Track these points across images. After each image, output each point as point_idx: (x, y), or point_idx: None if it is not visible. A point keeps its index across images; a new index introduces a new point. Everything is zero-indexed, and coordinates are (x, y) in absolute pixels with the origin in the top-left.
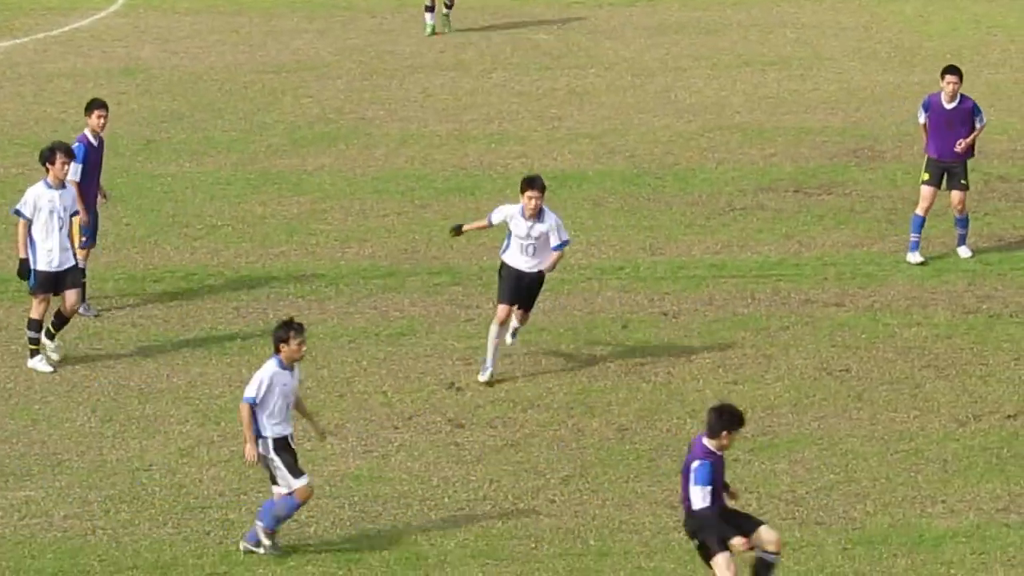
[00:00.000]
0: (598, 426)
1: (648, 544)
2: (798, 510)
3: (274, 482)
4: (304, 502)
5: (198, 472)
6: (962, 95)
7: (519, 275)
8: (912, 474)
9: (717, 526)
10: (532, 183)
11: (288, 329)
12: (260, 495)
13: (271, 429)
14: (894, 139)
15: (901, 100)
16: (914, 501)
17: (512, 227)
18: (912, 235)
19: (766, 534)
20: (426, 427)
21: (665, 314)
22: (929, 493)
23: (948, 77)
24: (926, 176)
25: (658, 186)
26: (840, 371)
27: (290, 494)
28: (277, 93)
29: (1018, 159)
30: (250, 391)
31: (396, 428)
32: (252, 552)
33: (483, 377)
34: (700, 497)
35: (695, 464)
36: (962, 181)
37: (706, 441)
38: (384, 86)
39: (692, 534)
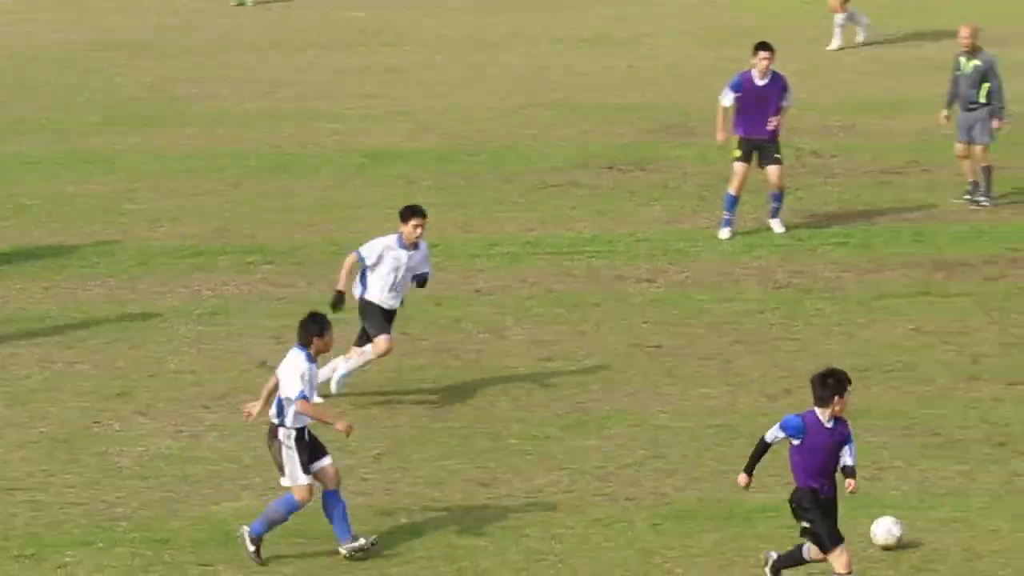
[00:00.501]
0: (410, 404)
1: (460, 522)
2: (608, 486)
3: (282, 473)
4: (301, 505)
5: (6, 453)
6: (774, 72)
7: (384, 312)
8: (722, 449)
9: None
10: (419, 211)
11: (324, 324)
12: (68, 476)
13: (298, 420)
14: (707, 116)
15: (715, 77)
16: (724, 476)
17: (385, 260)
18: (725, 213)
19: None
20: (238, 407)
21: (478, 291)
22: (739, 468)
23: (761, 53)
24: (737, 153)
25: (472, 164)
26: (652, 347)
27: (288, 493)
28: (90, 71)
29: (829, 135)
30: (298, 388)
31: (207, 408)
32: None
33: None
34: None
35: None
36: (776, 156)
37: (818, 412)
38: (197, 64)
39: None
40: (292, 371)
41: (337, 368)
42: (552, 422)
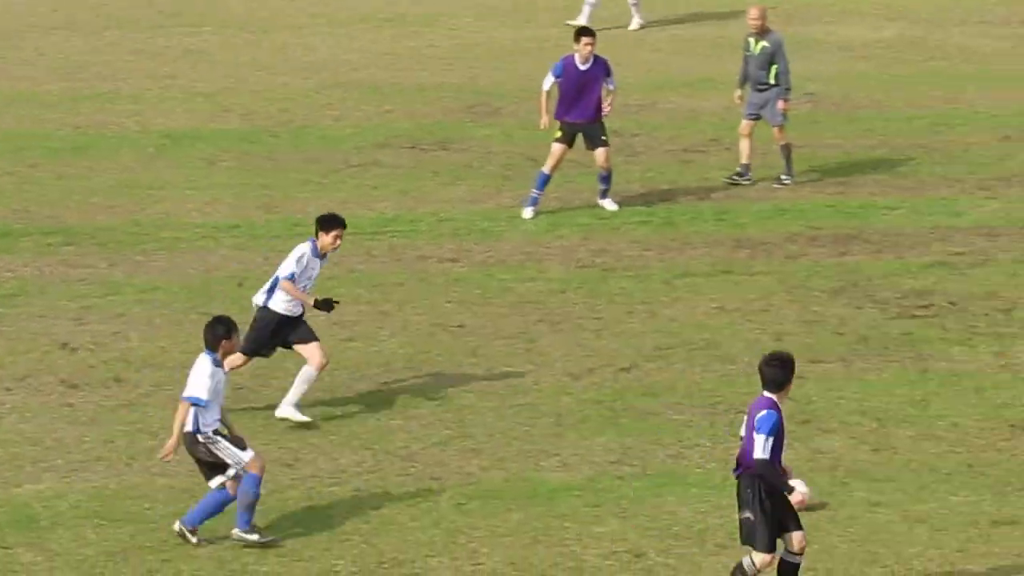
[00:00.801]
0: None
1: (264, 502)
2: (413, 466)
3: (214, 474)
4: (261, 473)
5: None
6: (596, 56)
7: (281, 320)
8: (526, 428)
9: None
10: (342, 222)
11: (230, 325)
12: None
13: (214, 424)
14: (510, 95)
15: (517, 56)
16: (528, 455)
17: (301, 269)
18: (533, 191)
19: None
20: (39, 388)
21: None
22: (543, 447)
23: (583, 39)
24: (558, 134)
25: (274, 144)
26: (455, 327)
27: (244, 472)
28: None
29: (630, 114)
30: (196, 392)
31: (8, 390)
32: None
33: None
34: (762, 445)
35: (761, 413)
36: (602, 138)
37: (770, 396)
38: None
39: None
40: (197, 376)
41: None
42: (356, 402)
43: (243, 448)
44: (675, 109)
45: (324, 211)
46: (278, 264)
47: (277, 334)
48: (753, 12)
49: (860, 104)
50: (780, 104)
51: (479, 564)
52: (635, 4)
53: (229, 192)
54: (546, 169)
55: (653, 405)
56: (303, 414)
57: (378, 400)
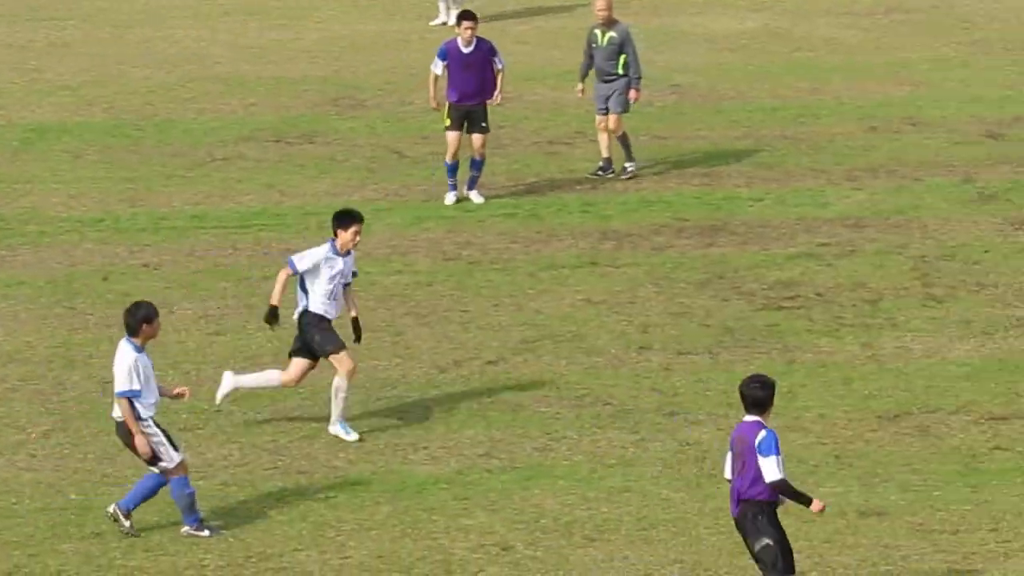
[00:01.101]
0: (79, 379)
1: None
2: (281, 459)
3: (153, 463)
4: (187, 471)
5: None
6: (479, 38)
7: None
8: (394, 421)
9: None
10: (359, 217)
11: (150, 310)
12: None
13: (151, 408)
14: (375, 88)
15: (382, 49)
16: (396, 448)
17: (324, 271)
18: (449, 179)
19: None
20: None
21: (146, 265)
22: (411, 440)
23: (464, 23)
24: (447, 122)
25: (138, 137)
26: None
27: (172, 473)
28: None
29: (494, 107)
30: (125, 384)
31: None
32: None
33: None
34: (774, 466)
35: (761, 435)
36: (482, 124)
37: (756, 418)
38: None
39: (755, 529)
40: (121, 366)
41: (230, 380)
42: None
43: (177, 448)
44: (540, 101)
45: (189, 204)
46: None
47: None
48: (600, 3)
49: (726, 95)
50: (632, 94)
51: (347, 557)
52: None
53: (94, 186)
54: (448, 159)
55: (520, 398)
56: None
57: (245, 394)
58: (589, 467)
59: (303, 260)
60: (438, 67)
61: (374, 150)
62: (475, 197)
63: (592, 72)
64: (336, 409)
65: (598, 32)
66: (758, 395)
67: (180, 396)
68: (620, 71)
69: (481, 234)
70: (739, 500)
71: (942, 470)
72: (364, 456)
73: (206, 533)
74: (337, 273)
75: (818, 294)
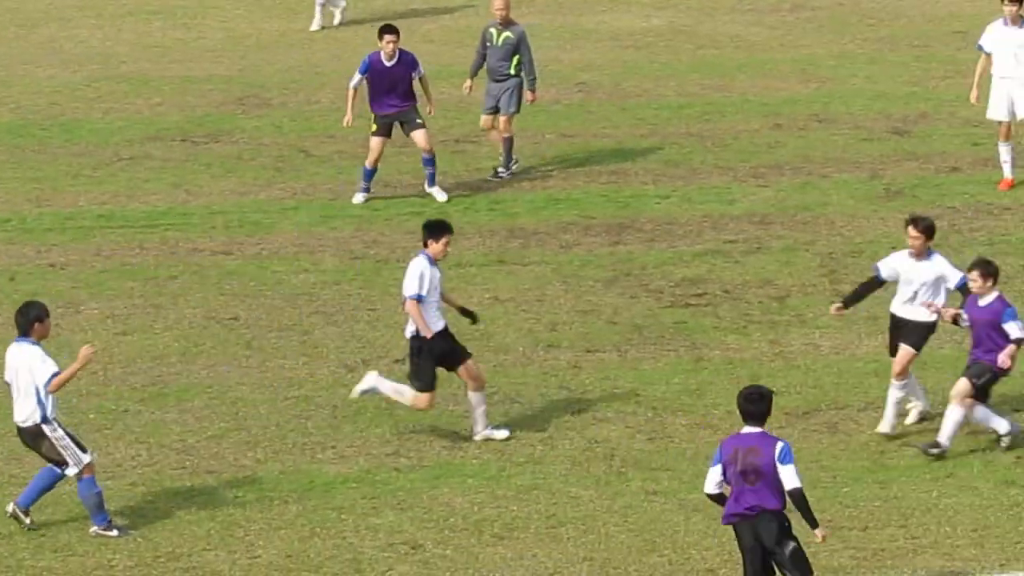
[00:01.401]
0: None
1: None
2: (189, 459)
3: (56, 463)
4: (93, 471)
5: None
6: (401, 51)
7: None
8: (302, 421)
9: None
10: (449, 228)
11: (42, 308)
12: None
13: (56, 406)
14: (280, 87)
15: (286, 48)
16: (304, 448)
17: (427, 285)
18: (362, 182)
19: None
20: None
21: (53, 265)
22: (319, 439)
23: (387, 36)
24: (374, 127)
25: (44, 137)
26: (229, 319)
27: (80, 474)
28: None
29: None
30: (49, 370)
31: None
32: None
33: None
34: (794, 474)
35: (780, 446)
36: (418, 121)
37: (760, 429)
38: None
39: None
40: (33, 361)
41: (372, 380)
42: (129, 396)
43: (84, 449)
44: (447, 100)
45: (96, 204)
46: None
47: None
48: (498, 2)
49: (632, 93)
50: (528, 96)
51: (256, 557)
52: (322, 4)
53: (0, 186)
54: (368, 164)
55: None
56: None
57: (152, 394)
58: (498, 465)
59: (419, 283)
60: (355, 80)
61: (280, 149)
62: (437, 195)
63: (484, 72)
64: (384, 387)
65: (494, 31)
66: (759, 408)
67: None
68: (513, 72)
69: (388, 232)
70: (758, 511)
71: (851, 466)
72: (272, 455)
73: (115, 533)
74: (439, 283)
75: (725, 291)
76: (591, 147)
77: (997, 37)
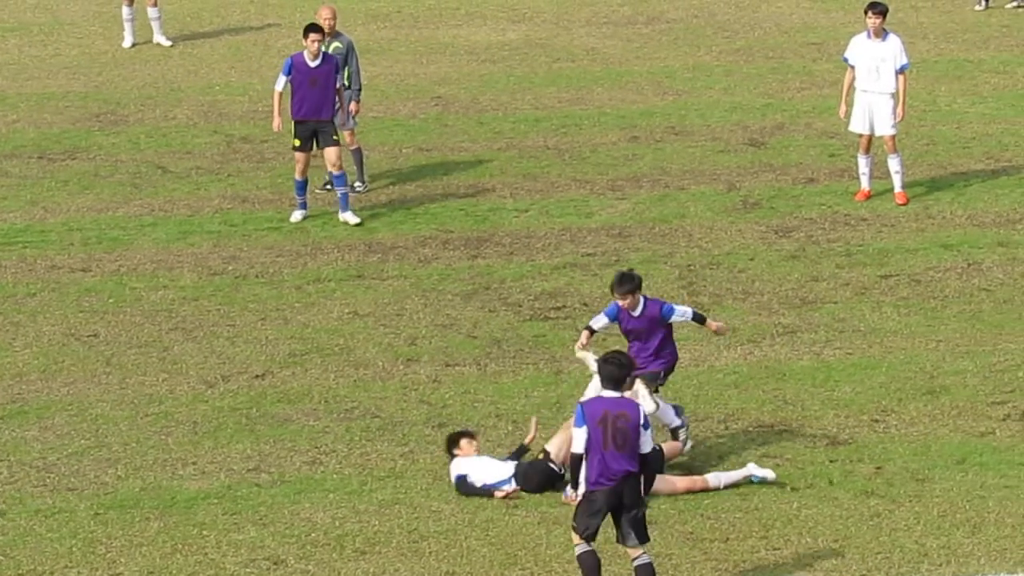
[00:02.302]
0: None
1: None
2: (49, 476)
3: None
4: None
5: None
6: (325, 53)
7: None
8: (162, 437)
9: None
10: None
11: None
12: None
13: None
14: (136, 103)
15: (142, 64)
16: (165, 464)
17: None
18: (297, 198)
19: None
20: None
21: None
22: (180, 455)
23: (311, 35)
24: (296, 142)
25: None
26: (88, 336)
27: None
28: None
29: (259, 120)
30: None
31: None
32: None
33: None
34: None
35: (642, 411)
36: (333, 137)
37: (620, 394)
38: None
39: (637, 500)
40: None
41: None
42: None
43: None
44: None
45: None
46: None
47: None
48: (325, 12)
49: (488, 107)
50: (353, 106)
51: (118, 574)
52: (130, 20)
53: None
54: (297, 175)
55: (288, 411)
56: None
57: (12, 411)
58: (359, 480)
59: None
60: (280, 83)
61: (137, 165)
62: (350, 218)
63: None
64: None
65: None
66: (623, 373)
67: None
68: (345, 83)
69: (247, 248)
70: (625, 474)
71: None
72: (133, 472)
73: None
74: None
75: (584, 304)
76: (448, 161)
77: (860, 50)
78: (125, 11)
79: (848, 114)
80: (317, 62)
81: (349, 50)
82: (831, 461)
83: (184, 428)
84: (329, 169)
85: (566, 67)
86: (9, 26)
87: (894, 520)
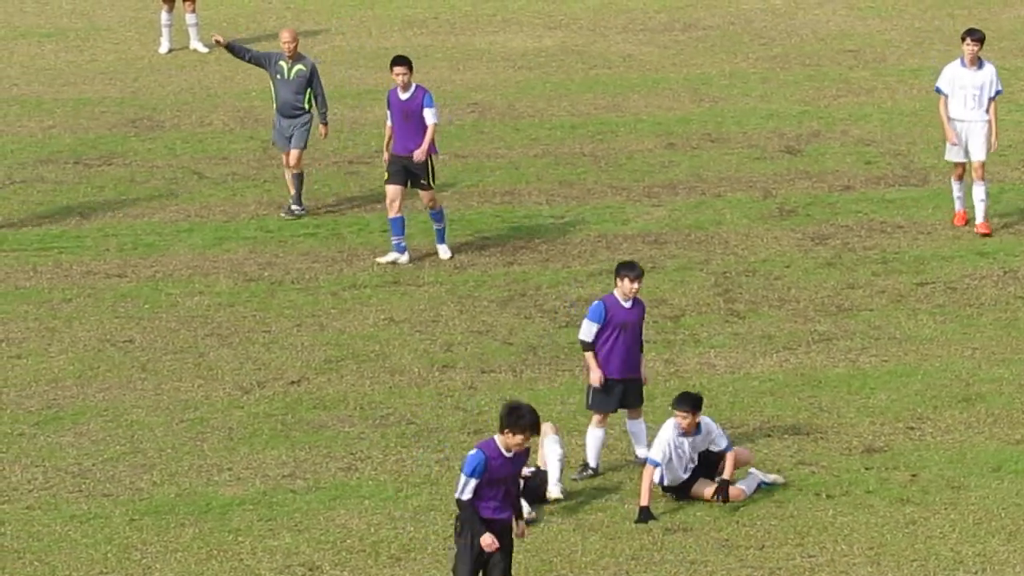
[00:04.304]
0: None
1: None
2: (84, 482)
3: None
4: None
5: None
6: (416, 84)
7: None
8: (198, 443)
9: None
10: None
11: None
12: None
13: None
14: (172, 108)
15: (178, 69)
16: (200, 470)
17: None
18: (393, 237)
19: None
20: None
21: None
22: (215, 461)
23: (396, 68)
24: (387, 175)
25: None
26: (124, 342)
27: None
28: None
29: None
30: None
31: None
32: None
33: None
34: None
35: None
36: (422, 181)
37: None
38: None
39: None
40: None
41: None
42: (25, 419)
43: None
44: (340, 121)
45: None
46: None
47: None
48: (286, 35)
49: (524, 113)
50: (322, 129)
51: None
52: (168, 26)
53: None
54: (391, 213)
55: (324, 418)
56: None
57: (48, 417)
58: (394, 486)
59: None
60: (388, 121)
61: (174, 171)
62: (443, 252)
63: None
64: None
65: (284, 65)
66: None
67: None
68: (307, 106)
69: (283, 254)
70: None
71: None
72: (168, 478)
73: None
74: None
75: None
76: (484, 167)
77: (956, 79)
78: (164, 16)
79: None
80: (406, 95)
81: (313, 72)
82: (866, 468)
83: (219, 434)
84: (427, 205)
85: (602, 74)
86: (46, 32)
87: (929, 527)
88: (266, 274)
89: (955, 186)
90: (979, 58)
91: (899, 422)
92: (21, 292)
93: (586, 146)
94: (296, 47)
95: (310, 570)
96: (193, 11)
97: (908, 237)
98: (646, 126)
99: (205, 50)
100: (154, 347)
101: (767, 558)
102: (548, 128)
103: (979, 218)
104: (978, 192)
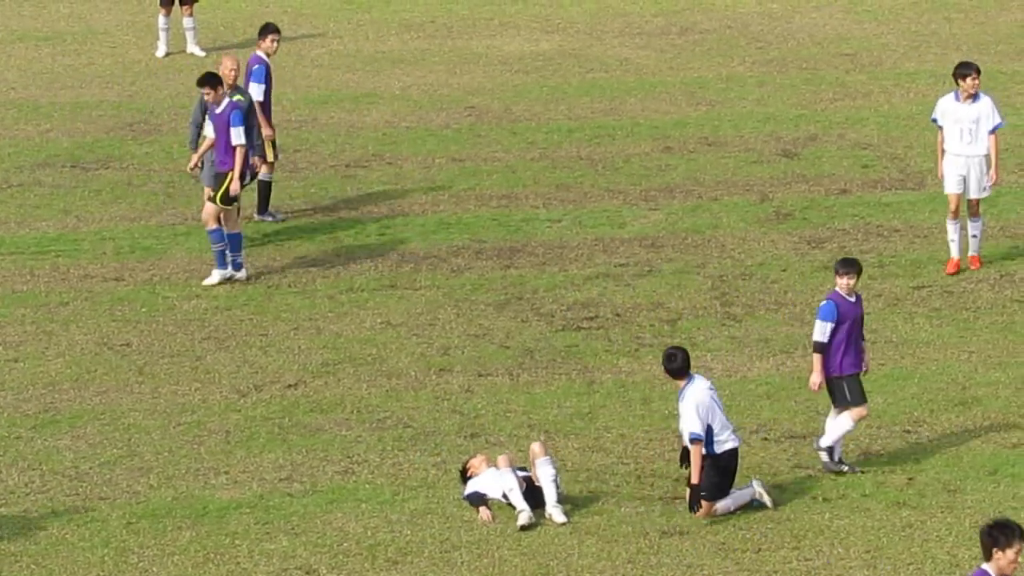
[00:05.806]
0: None
1: None
2: (81, 485)
3: None
4: None
5: None
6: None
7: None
8: (195, 446)
9: None
10: None
11: None
12: None
13: None
14: (169, 112)
15: (175, 73)
16: (197, 473)
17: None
18: None
19: None
20: None
21: None
22: (212, 465)
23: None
24: None
25: None
26: (121, 345)
27: None
28: None
29: (292, 129)
30: None
31: None
32: None
33: None
34: None
35: None
36: None
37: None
38: None
39: None
40: None
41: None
42: (22, 423)
43: None
44: (337, 124)
45: None
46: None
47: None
48: (229, 63)
49: (521, 117)
50: (255, 161)
51: None
52: (165, 30)
53: None
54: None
55: (321, 421)
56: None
57: (45, 420)
58: (391, 490)
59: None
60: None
61: (171, 175)
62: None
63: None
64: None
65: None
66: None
67: None
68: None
69: (279, 258)
70: None
71: None
72: (165, 481)
73: None
74: None
75: (617, 314)
76: (481, 171)
77: (950, 112)
78: (161, 20)
79: (942, 175)
80: (219, 109)
81: (250, 105)
82: (863, 472)
83: (216, 437)
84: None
85: (599, 77)
86: (43, 35)
87: (926, 531)
88: (263, 278)
89: (950, 228)
90: (973, 94)
91: (895, 425)
92: (18, 295)
93: (583, 150)
94: (237, 76)
95: (307, 573)
96: (190, 15)
97: (905, 240)
98: (643, 130)
99: (202, 54)
100: (151, 351)
101: (764, 562)
102: (545, 132)
103: (971, 251)
104: (973, 228)
